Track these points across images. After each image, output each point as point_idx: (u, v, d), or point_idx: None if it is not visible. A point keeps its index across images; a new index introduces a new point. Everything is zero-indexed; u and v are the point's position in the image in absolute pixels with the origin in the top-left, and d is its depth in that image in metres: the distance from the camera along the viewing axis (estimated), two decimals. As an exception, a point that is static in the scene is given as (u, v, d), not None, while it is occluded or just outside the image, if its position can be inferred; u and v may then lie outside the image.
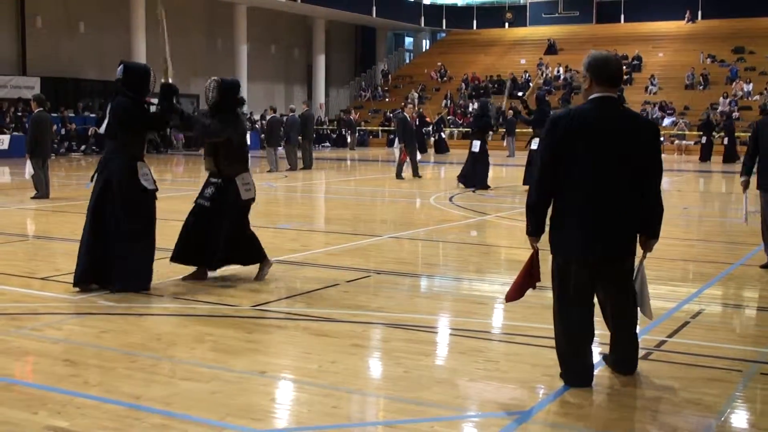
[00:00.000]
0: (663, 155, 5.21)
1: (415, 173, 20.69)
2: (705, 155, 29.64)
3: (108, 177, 7.12)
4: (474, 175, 18.12)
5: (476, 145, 18.15)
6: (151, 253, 7.26)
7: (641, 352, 5.38)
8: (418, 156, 21.70)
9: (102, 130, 7.39)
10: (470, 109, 41.29)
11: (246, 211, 7.75)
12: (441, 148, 34.81)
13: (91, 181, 7.30)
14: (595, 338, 4.96)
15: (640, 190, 4.81)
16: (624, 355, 5.03)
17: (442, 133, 36.13)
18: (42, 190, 14.98)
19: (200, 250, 7.54)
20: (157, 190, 7.36)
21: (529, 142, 17.17)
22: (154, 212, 7.33)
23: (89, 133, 31.09)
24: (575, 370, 4.87)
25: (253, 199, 7.76)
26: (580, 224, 4.75)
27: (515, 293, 5.11)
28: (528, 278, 5.05)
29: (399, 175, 20.38)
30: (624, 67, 41.40)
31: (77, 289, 7.14)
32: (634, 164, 4.77)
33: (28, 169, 15.01)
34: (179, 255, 7.63)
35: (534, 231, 4.94)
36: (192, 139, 31.97)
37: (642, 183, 4.81)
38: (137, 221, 7.16)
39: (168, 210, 13.72)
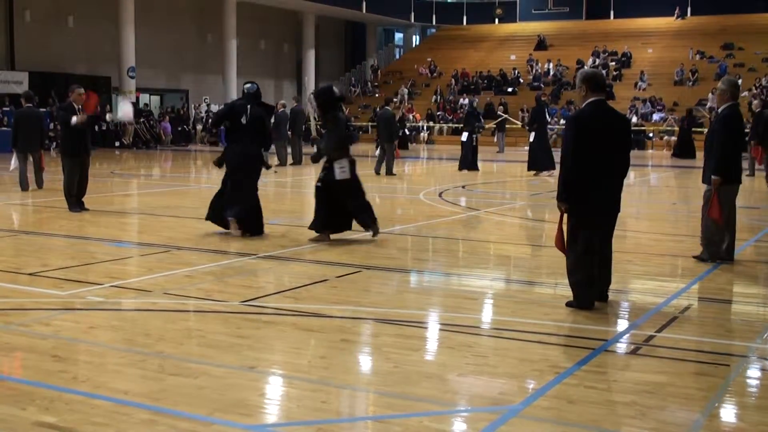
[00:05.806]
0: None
1: (390, 171, 20.62)
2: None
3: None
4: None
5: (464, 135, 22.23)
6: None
7: (630, 348, 5.70)
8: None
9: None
10: (459, 104, 41.28)
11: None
12: (402, 144, 34.61)
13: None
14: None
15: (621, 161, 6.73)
16: (604, 287, 6.76)
17: (406, 130, 35.91)
18: (24, 185, 15.02)
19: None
20: None
21: (530, 135, 21.00)
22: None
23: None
24: (586, 291, 6.53)
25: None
26: (597, 192, 6.48)
27: (560, 243, 6.73)
28: (561, 232, 6.71)
29: (390, 172, 20.37)
30: (613, 63, 41.79)
31: (316, 234, 9.86)
32: (620, 145, 6.67)
33: (13, 163, 15.07)
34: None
35: (565, 198, 6.52)
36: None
37: (622, 156, 6.71)
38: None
39: (157, 206, 13.69)
